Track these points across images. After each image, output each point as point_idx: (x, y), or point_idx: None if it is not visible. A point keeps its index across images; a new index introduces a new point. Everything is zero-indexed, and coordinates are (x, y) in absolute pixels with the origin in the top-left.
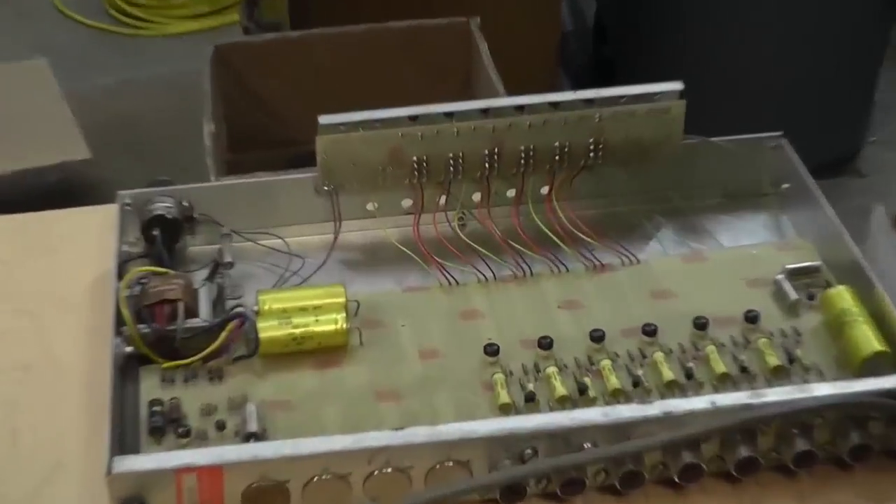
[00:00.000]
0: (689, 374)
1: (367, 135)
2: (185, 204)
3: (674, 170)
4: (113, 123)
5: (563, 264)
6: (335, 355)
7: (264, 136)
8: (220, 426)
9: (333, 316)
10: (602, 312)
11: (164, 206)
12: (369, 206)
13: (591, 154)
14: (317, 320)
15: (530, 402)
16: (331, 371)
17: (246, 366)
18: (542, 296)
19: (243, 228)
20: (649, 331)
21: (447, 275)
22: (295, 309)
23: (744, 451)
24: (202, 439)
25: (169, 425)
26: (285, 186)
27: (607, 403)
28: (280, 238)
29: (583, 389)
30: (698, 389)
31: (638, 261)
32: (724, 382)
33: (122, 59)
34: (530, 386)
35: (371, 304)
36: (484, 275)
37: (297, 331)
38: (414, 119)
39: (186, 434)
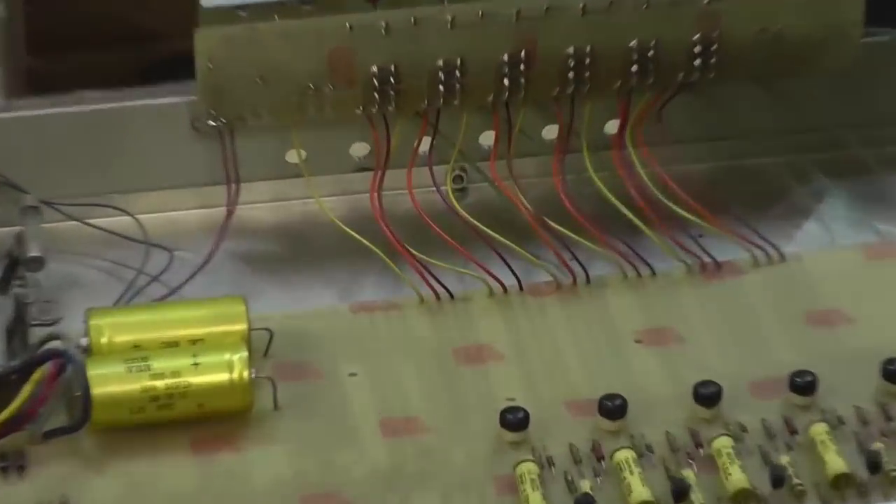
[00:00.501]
0: (874, 463)
1: (287, 26)
2: None
3: (848, 92)
4: None
5: (646, 262)
6: (230, 429)
7: (93, 25)
8: None
9: (226, 357)
10: (716, 351)
11: None
12: (291, 157)
13: (698, 62)
14: (196, 365)
15: None
16: (222, 457)
17: (67, 446)
18: (608, 320)
19: (62, 197)
20: (803, 384)
21: (433, 281)
22: (156, 343)
23: None
24: None
25: None
26: (136, 118)
27: None
28: (128, 214)
29: (682, 490)
30: (889, 489)
31: (782, 256)
32: None
33: None
34: (585, 485)
35: (294, 335)
36: (500, 281)
37: (161, 383)
38: None
39: None
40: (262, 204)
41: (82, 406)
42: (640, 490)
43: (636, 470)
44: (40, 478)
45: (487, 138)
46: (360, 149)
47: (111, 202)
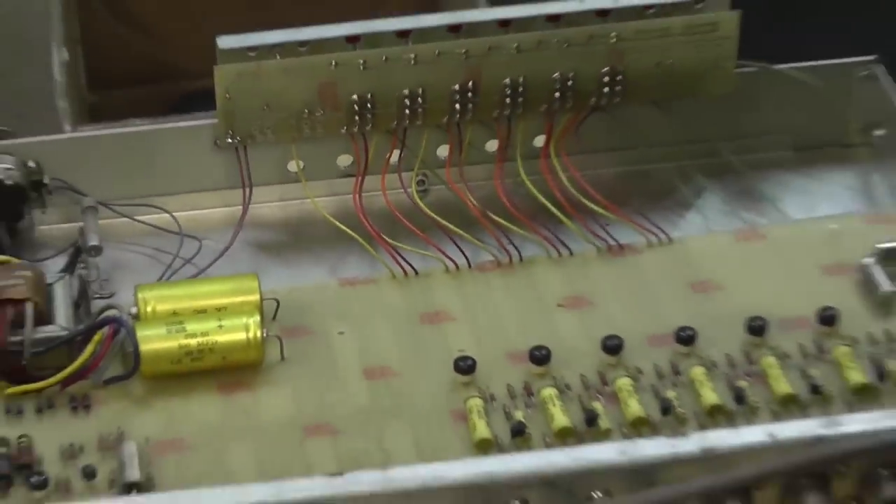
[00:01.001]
0: (739, 397)
1: (286, 63)
2: (31, 165)
3: (723, 111)
4: None
5: (566, 245)
6: (246, 375)
7: (140, 67)
8: (89, 473)
9: (243, 320)
10: (620, 312)
11: (0, 167)
12: (291, 166)
13: (607, 89)
14: (220, 326)
15: (519, 437)
16: (240, 397)
17: (122, 391)
18: (536, 289)
19: (114, 199)
20: (685, 337)
21: (402, 261)
22: (189, 311)
23: (813, 501)
24: (64, 492)
25: (17, 473)
26: (171, 138)
27: (626, 437)
28: (166, 212)
29: (592, 418)
30: (752, 417)
31: (671, 239)
32: (787, 407)
33: None
34: (519, 414)
35: (295, 304)
36: (454, 261)
37: (193, 341)
38: (353, 40)
39: (42, 485)
40: (269, 203)
41: (133, 359)
42: (560, 418)
43: (557, 403)
44: (101, 414)
45: (443, 151)
46: (344, 160)
47: (152, 202)
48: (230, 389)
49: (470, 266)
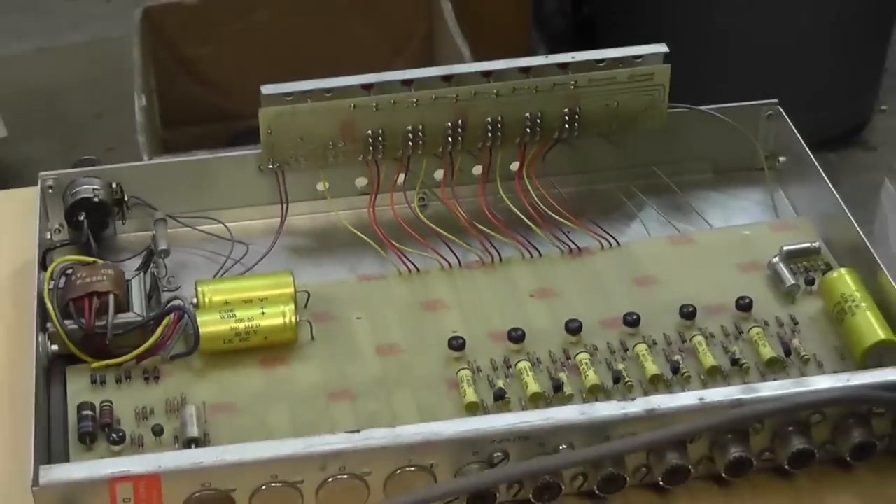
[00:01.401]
0: (675, 368)
1: (315, 106)
2: (115, 186)
3: (658, 142)
4: (30, 97)
5: (536, 249)
6: (283, 352)
7: (201, 110)
8: (158, 431)
9: (281, 308)
10: (579, 301)
11: (90, 188)
12: (319, 187)
13: (567, 125)
14: (263, 313)
15: (500, 401)
16: (279, 369)
17: (184, 364)
18: (513, 283)
19: (179, 212)
20: (631, 321)
21: (406, 261)
22: (238, 301)
23: (735, 452)
24: (138, 446)
25: (100, 431)
26: (225, 165)
27: (585, 401)
28: (220, 223)
29: (558, 386)
30: (685, 384)
31: (619, 244)
32: (713, 377)
33: (38, 23)
34: (500, 383)
35: (322, 295)
36: (448, 261)
37: (241, 325)
38: (368, 88)
39: (120, 440)
40: (302, 216)
41: (193, 339)
42: (533, 386)
43: (531, 374)
44: (168, 384)
45: (439, 174)
46: (361, 181)
47: (210, 215)
48: (270, 364)
49: (461, 265)
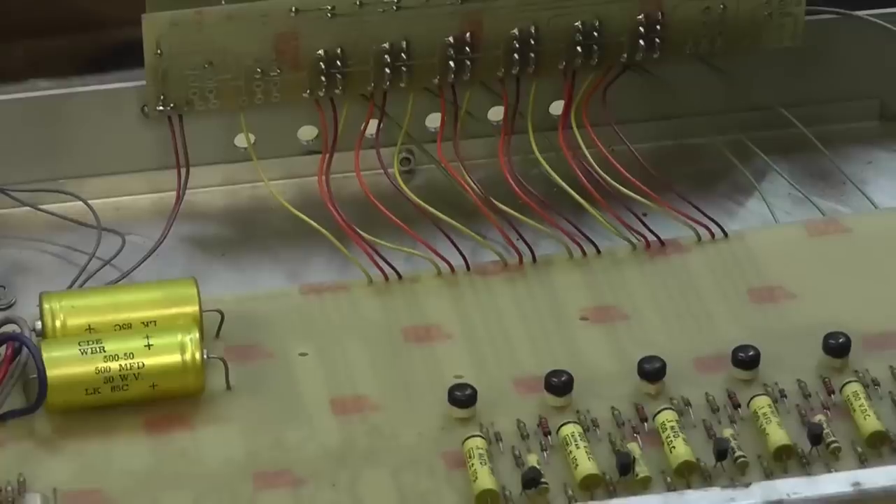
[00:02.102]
0: (815, 436)
1: (234, 10)
2: None
3: (790, 70)
4: None
5: (591, 241)
6: (183, 409)
7: (45, 14)
8: None
9: (178, 338)
10: (660, 328)
11: None
12: (239, 141)
13: (642, 41)
14: (149, 346)
15: (533, 489)
16: (175, 438)
17: (24, 428)
18: (554, 298)
19: (13, 183)
20: (746, 359)
21: (381, 261)
22: (109, 326)
23: None
24: None
25: None
26: (86, 106)
27: (671, 488)
28: (80, 199)
29: (626, 464)
30: (832, 461)
31: (726, 234)
32: (877, 448)
33: None
34: (532, 459)
35: (245, 317)
36: (448, 261)
37: (114, 365)
38: None
39: None
40: (211, 188)
41: (37, 388)
42: (585, 464)
43: (582, 444)
44: None
45: (434, 120)
46: (307, 132)
47: (63, 188)
48: (162, 427)
49: (469, 268)
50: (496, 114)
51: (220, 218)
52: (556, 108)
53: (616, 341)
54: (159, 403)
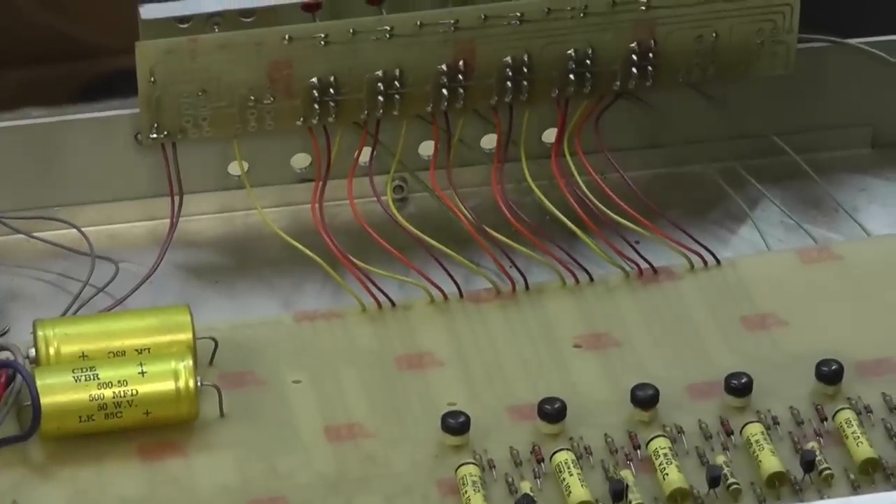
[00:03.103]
0: (808, 462)
1: (228, 38)
2: None
3: (784, 99)
4: None
5: (584, 269)
6: (176, 437)
7: (37, 40)
8: None
9: (171, 365)
10: (653, 355)
11: None
12: (233, 169)
13: (635, 70)
14: (142, 374)
15: None
16: (169, 465)
17: (17, 456)
18: (547, 326)
19: (7, 210)
20: (738, 386)
21: (374, 289)
22: (103, 353)
23: None
24: None
25: None
26: (79, 133)
27: None
28: (73, 227)
29: (619, 491)
30: (824, 489)
31: (718, 262)
32: (870, 475)
33: None
34: (525, 486)
35: (239, 344)
36: (441, 289)
37: (108, 392)
38: (313, 8)
39: None
40: (205, 216)
41: (31, 415)
42: (578, 491)
43: (575, 471)
44: None
45: (427, 148)
46: (301, 160)
47: (56, 215)
48: (155, 455)
49: (462, 296)
50: (489, 141)
51: (213, 245)
52: (549, 135)
53: (609, 368)
54: (153, 430)
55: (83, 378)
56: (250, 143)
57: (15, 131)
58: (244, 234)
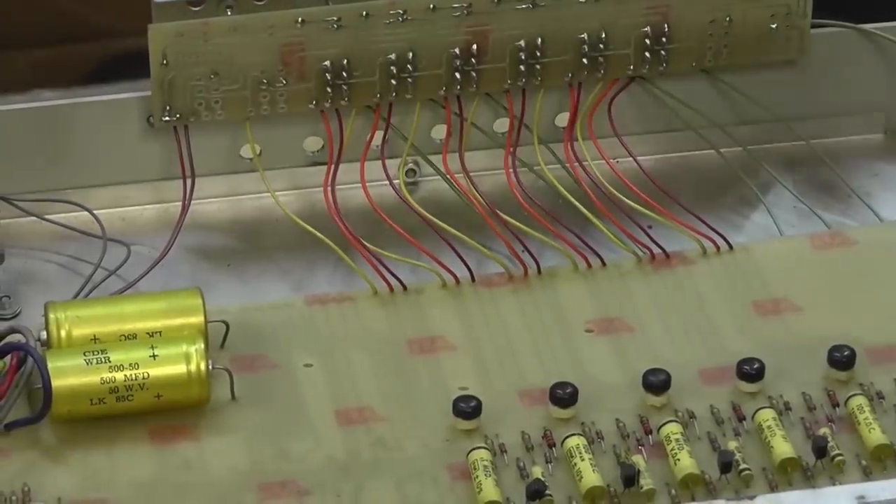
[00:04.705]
0: (820, 449)
1: (240, 20)
2: None
3: (796, 83)
4: None
5: (596, 253)
6: (187, 420)
7: (50, 24)
8: None
9: (183, 349)
10: (665, 339)
11: None
12: (245, 152)
13: (647, 53)
14: (154, 357)
15: (537, 501)
16: (179, 448)
17: (29, 438)
18: (559, 310)
19: (18, 192)
20: (750, 372)
21: (386, 272)
22: (114, 336)
23: None
24: None
25: None
26: (90, 116)
27: (675, 500)
28: (85, 209)
29: (631, 476)
30: (837, 475)
31: (731, 247)
32: (882, 461)
33: None
34: (537, 471)
35: (250, 327)
36: (453, 273)
37: (119, 375)
38: None
39: None
40: (217, 199)
41: (43, 398)
42: (590, 476)
43: (587, 456)
44: (1, 468)
45: (439, 132)
46: (313, 143)
47: (68, 198)
48: (166, 438)
49: (474, 280)
50: (502, 125)
51: (225, 228)
52: (562, 119)
53: (621, 353)
54: (164, 413)
55: (94, 361)
56: (262, 126)
57: (26, 114)
58: (256, 218)
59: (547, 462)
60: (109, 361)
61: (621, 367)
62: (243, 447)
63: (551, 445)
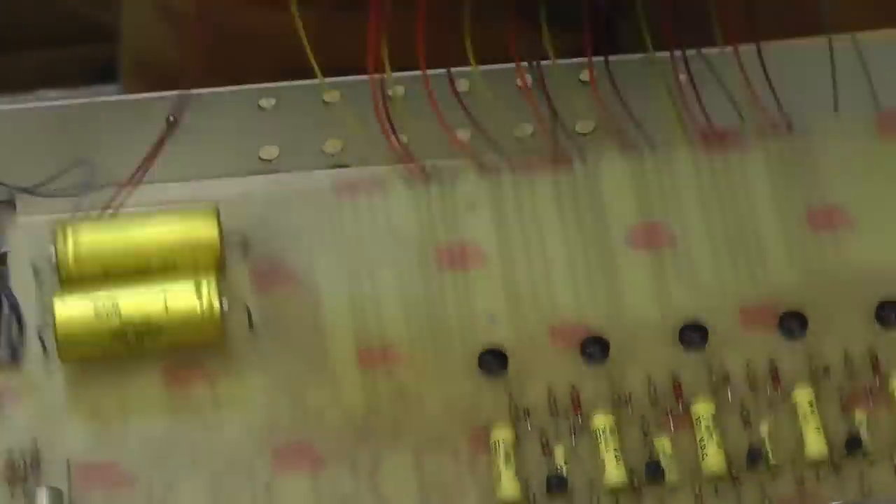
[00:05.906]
0: (854, 439)
1: None
2: None
3: None
4: None
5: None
6: (204, 360)
7: (56, 23)
8: None
9: (195, 287)
10: (708, 260)
11: None
12: None
13: None
14: (166, 308)
15: (560, 491)
16: (194, 398)
17: (40, 379)
18: (600, 212)
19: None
20: (792, 328)
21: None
22: (124, 271)
23: None
24: None
25: None
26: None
27: (698, 493)
28: None
29: (655, 475)
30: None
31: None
32: None
33: None
34: (559, 454)
35: (273, 222)
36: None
37: (130, 328)
38: None
39: None
40: None
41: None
42: (613, 471)
43: (612, 444)
44: (13, 416)
45: None
46: None
47: None
48: (181, 379)
49: (511, 167)
50: None
51: None
52: None
53: (661, 281)
54: (179, 354)
55: (105, 314)
56: None
57: (31, 113)
58: None
59: (572, 433)
60: (118, 309)
61: (659, 303)
62: (260, 396)
63: (577, 411)
